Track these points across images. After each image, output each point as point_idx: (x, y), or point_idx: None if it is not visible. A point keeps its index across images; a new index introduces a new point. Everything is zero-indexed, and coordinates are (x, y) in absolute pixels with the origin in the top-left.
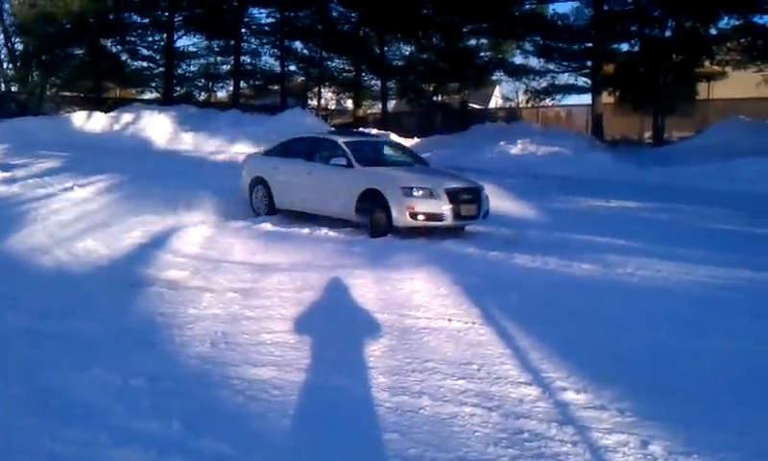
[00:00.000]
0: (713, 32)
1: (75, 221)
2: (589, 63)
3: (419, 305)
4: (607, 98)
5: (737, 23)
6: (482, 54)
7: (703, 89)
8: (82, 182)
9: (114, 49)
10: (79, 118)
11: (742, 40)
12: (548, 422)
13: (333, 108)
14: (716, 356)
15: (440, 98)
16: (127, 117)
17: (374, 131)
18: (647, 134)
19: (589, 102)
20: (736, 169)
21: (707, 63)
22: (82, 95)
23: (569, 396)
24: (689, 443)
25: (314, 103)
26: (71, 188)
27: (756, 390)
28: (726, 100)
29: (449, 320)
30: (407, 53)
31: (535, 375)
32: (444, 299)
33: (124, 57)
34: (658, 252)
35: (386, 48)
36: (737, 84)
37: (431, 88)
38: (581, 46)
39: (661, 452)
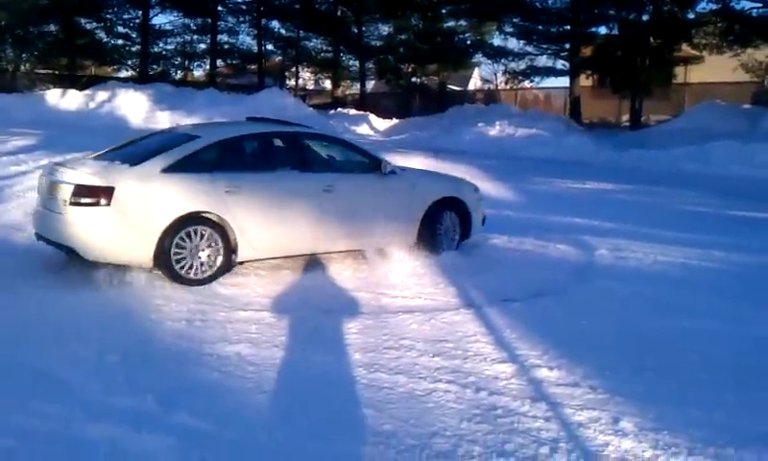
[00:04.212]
0: (691, 16)
1: None
2: (568, 46)
3: (395, 284)
4: (585, 81)
5: (715, 7)
6: (461, 35)
7: (680, 73)
8: (57, 160)
9: (90, 26)
10: (53, 96)
11: (719, 25)
12: (521, 398)
13: (311, 88)
14: (687, 336)
15: (418, 79)
16: (102, 95)
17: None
18: (624, 117)
19: (568, 84)
20: (711, 152)
21: (684, 47)
22: (56, 72)
23: (543, 373)
24: (659, 419)
25: (292, 83)
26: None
27: (725, 368)
28: (703, 84)
29: (426, 299)
30: (385, 33)
31: (509, 352)
32: (421, 278)
33: (99, 34)
34: (632, 233)
35: (364, 28)
36: (714, 68)
37: (410, 69)
38: (560, 29)
39: (632, 428)
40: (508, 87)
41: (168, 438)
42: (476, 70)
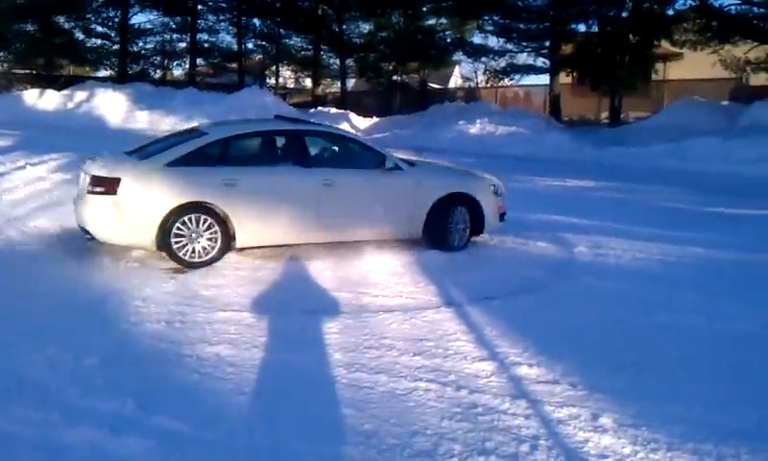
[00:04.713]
0: (670, 12)
1: (28, 200)
2: (548, 44)
3: (376, 284)
4: (565, 78)
5: (693, 4)
6: (441, 33)
7: (659, 70)
8: (34, 161)
9: (68, 25)
10: (31, 96)
11: (698, 21)
12: (502, 396)
13: (291, 86)
14: (666, 332)
15: (399, 77)
16: (80, 95)
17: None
18: (604, 115)
19: (548, 82)
20: (690, 149)
21: (663, 44)
22: (34, 72)
23: (523, 370)
24: (638, 415)
25: (272, 81)
26: (24, 167)
27: (704, 364)
28: (681, 81)
29: (406, 297)
30: (366, 31)
31: (490, 350)
32: (402, 277)
33: (78, 33)
34: (611, 230)
35: (345, 26)
36: (693, 64)
37: (391, 67)
38: (539, 26)
39: (611, 424)
40: (488, 85)
41: (148, 441)
42: (457, 68)
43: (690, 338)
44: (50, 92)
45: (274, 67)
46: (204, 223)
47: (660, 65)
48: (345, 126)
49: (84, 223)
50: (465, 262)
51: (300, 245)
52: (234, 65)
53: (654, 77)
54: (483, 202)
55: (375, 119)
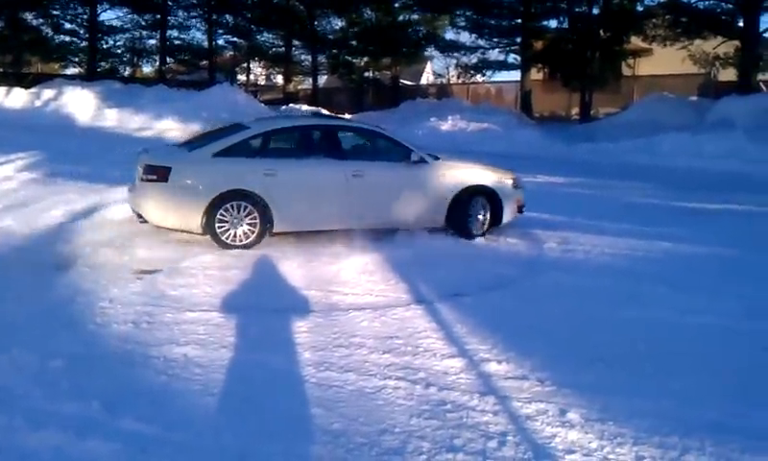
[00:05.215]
0: (640, 8)
1: None
2: (519, 40)
3: (346, 282)
4: (536, 75)
5: (663, 0)
6: (414, 28)
7: (630, 66)
8: (1, 160)
9: (36, 22)
10: None
11: (667, 17)
12: (470, 393)
13: (263, 83)
14: (634, 327)
15: (371, 74)
16: (48, 93)
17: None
18: (574, 111)
19: (519, 78)
20: (659, 144)
21: (633, 40)
22: (1, 70)
23: (492, 367)
24: (605, 410)
25: (243, 78)
26: None
27: (673, 358)
28: (651, 76)
29: (376, 295)
30: (338, 27)
31: (459, 347)
32: (372, 275)
33: (46, 30)
34: (580, 225)
35: (316, 22)
36: (662, 60)
37: (363, 64)
38: (511, 22)
39: (578, 420)
40: (460, 82)
41: (114, 443)
42: (429, 65)
43: (660, 332)
44: (17, 90)
45: (245, 64)
46: (245, 209)
47: (630, 61)
48: None
49: (138, 208)
50: (435, 259)
51: (270, 242)
52: (205, 62)
53: (624, 73)
54: (501, 194)
55: (347, 116)
